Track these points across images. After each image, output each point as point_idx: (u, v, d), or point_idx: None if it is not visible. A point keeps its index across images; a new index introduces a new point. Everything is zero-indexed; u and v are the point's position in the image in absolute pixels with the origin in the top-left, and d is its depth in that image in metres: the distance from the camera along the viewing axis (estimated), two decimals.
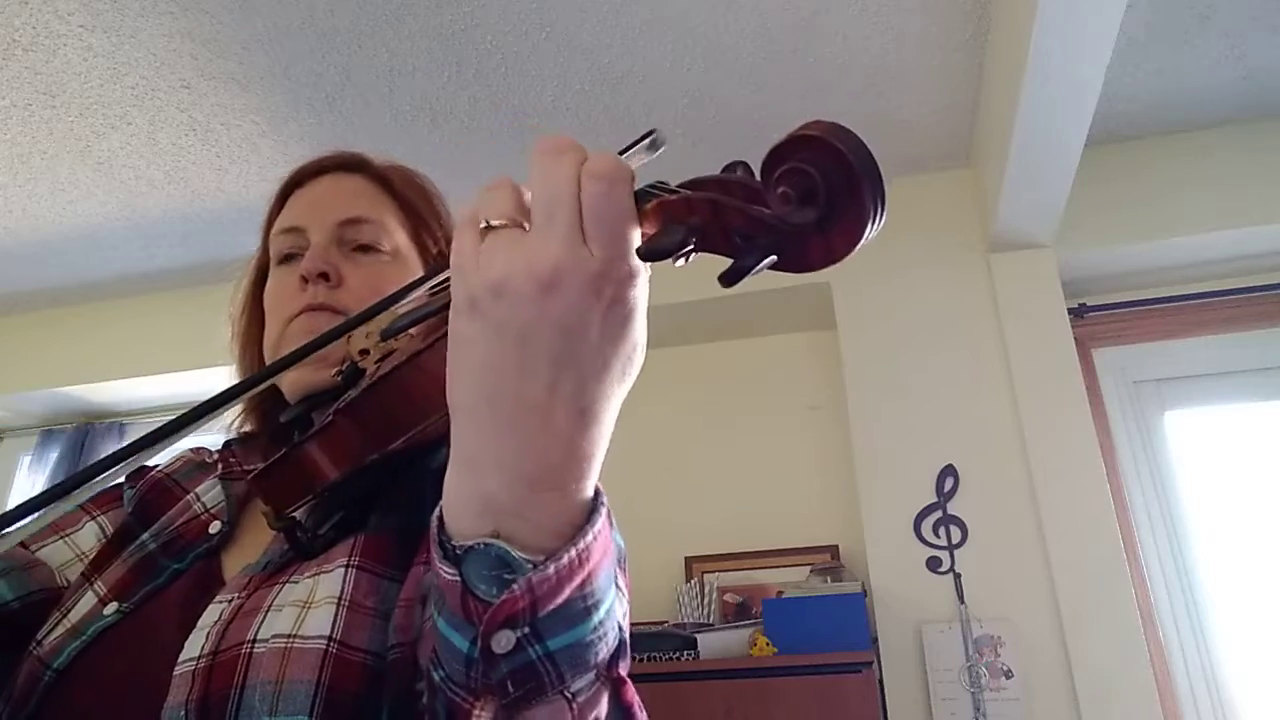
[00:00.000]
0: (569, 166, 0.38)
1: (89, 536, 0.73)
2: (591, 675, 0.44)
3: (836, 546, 2.47)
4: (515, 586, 0.40)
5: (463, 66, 2.14)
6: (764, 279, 0.41)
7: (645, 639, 2.11)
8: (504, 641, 0.40)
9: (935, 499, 2.27)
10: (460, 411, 0.42)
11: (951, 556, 2.21)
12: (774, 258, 0.36)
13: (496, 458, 0.40)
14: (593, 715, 0.44)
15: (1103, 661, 2.03)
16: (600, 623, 0.43)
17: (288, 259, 0.78)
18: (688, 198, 0.38)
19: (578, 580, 0.41)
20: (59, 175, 2.50)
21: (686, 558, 2.56)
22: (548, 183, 0.38)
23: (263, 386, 0.52)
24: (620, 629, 0.47)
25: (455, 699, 0.44)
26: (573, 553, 0.41)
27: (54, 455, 3.22)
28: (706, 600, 2.42)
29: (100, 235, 2.80)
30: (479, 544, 0.41)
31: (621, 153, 0.46)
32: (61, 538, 0.72)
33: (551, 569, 0.40)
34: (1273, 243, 2.42)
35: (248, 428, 0.82)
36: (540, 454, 0.40)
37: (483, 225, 0.40)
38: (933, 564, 2.22)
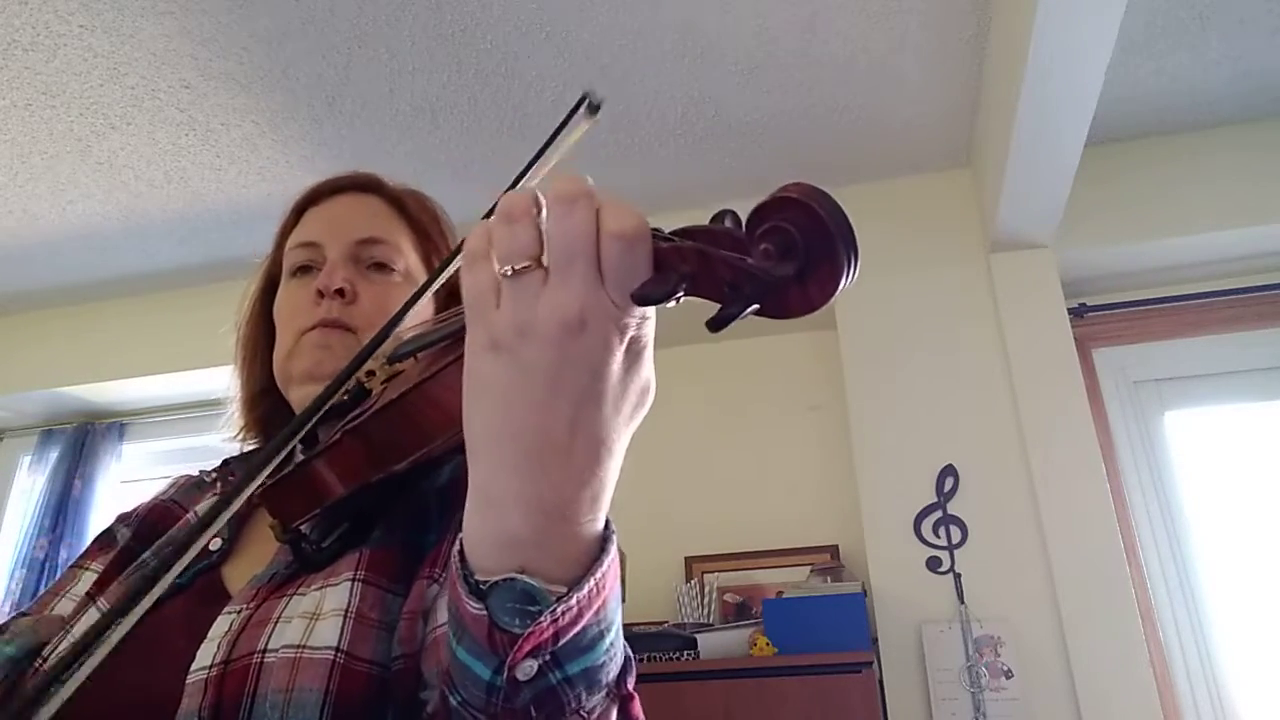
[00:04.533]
0: (585, 214, 0.39)
1: (87, 583, 0.75)
2: (604, 694, 0.46)
3: (836, 546, 2.47)
4: (542, 619, 0.41)
5: (463, 67, 2.14)
6: None
7: (645, 639, 2.11)
8: (527, 669, 0.42)
9: (935, 499, 2.27)
10: (481, 448, 0.42)
11: (951, 556, 2.21)
12: (757, 305, 0.38)
13: (519, 493, 0.41)
14: None
15: (1103, 661, 2.02)
16: (611, 644, 0.45)
17: (302, 272, 0.79)
18: (679, 246, 0.40)
19: (595, 607, 0.43)
20: (59, 175, 2.50)
21: (686, 558, 2.56)
22: (566, 231, 0.39)
23: (303, 433, 0.54)
24: (625, 646, 0.49)
25: None
26: (591, 583, 0.43)
27: (54, 455, 3.22)
28: (706, 600, 2.43)
29: (100, 235, 2.80)
30: (505, 579, 0.42)
31: (561, 126, 0.48)
32: (62, 596, 0.75)
33: (574, 599, 0.42)
34: (1273, 243, 2.42)
35: (252, 442, 0.84)
36: (561, 488, 0.41)
37: (506, 271, 0.40)
38: (933, 564, 2.22)
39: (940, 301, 2.46)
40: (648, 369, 0.42)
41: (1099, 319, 2.55)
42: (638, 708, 0.48)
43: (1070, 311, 2.40)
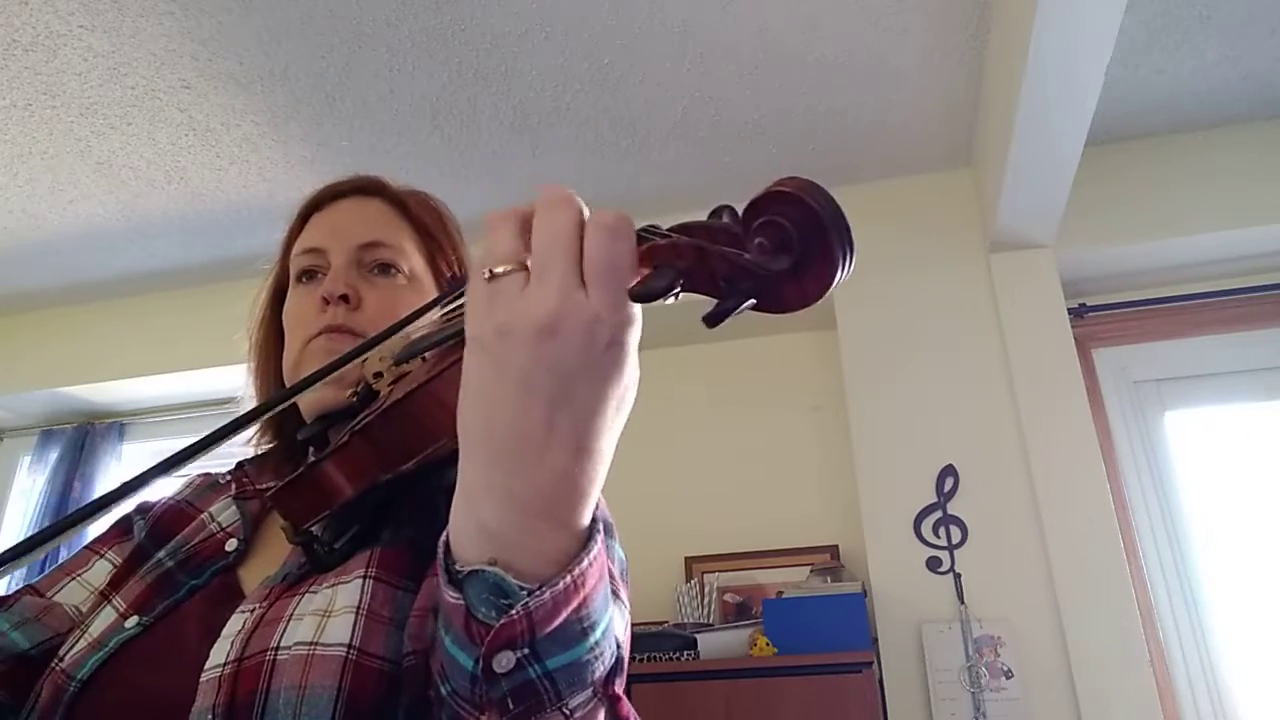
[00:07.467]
0: (565, 218, 0.40)
1: (100, 573, 0.75)
2: (589, 692, 0.45)
3: (836, 546, 2.47)
4: (513, 612, 0.42)
5: (463, 67, 2.14)
6: None
7: (645, 639, 2.11)
8: (505, 661, 0.43)
9: (935, 499, 2.27)
10: (464, 442, 0.44)
11: (951, 556, 2.21)
12: (753, 300, 0.39)
13: (493, 486, 0.42)
14: None
15: (1103, 661, 2.02)
16: (596, 643, 0.45)
17: (307, 278, 0.80)
18: (675, 242, 0.40)
19: (574, 604, 0.43)
20: (59, 175, 2.50)
21: (686, 558, 2.56)
22: (546, 233, 0.40)
23: (283, 407, 0.55)
24: (618, 646, 0.48)
25: (461, 712, 0.46)
26: (568, 579, 0.43)
27: (54, 455, 3.22)
28: (706, 600, 2.43)
29: (100, 235, 2.80)
30: (478, 570, 0.43)
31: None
32: (74, 579, 0.75)
33: (547, 595, 0.42)
34: (1273, 243, 2.42)
35: (265, 444, 0.85)
36: (535, 485, 0.42)
37: (486, 275, 0.41)
38: (933, 564, 2.22)
39: (940, 301, 2.46)
40: (629, 373, 0.42)
41: (1099, 319, 2.55)
42: (627, 708, 0.48)
43: (1070, 311, 2.40)
